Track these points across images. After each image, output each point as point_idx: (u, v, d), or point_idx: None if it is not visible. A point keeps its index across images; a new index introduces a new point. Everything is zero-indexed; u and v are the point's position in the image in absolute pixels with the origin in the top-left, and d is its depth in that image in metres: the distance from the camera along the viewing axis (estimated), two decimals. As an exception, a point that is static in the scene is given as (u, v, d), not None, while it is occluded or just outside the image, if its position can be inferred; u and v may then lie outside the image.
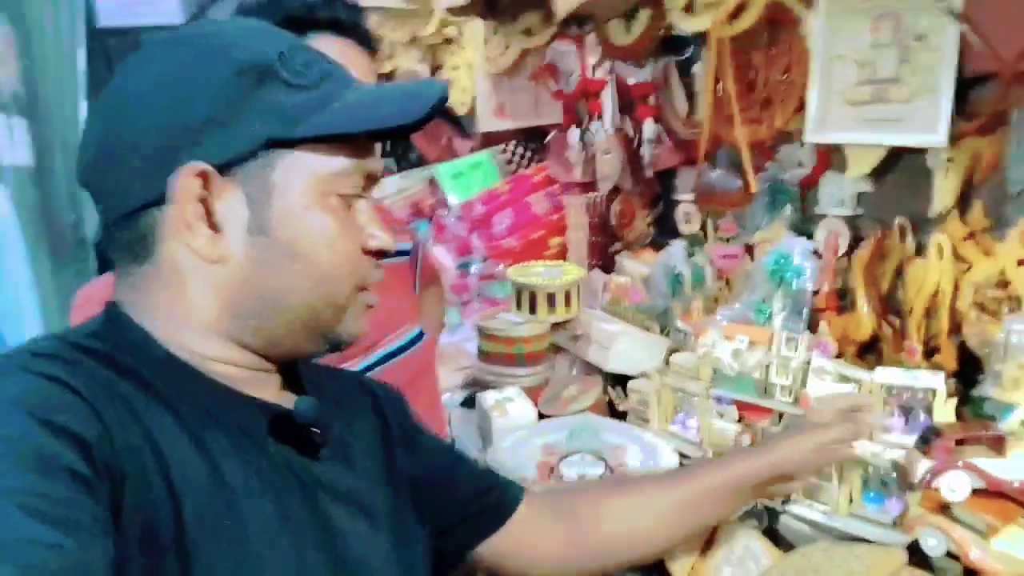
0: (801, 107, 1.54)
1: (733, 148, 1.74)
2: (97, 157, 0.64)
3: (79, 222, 3.74)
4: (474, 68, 2.42)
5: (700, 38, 1.77)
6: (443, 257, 2.25)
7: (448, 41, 2.50)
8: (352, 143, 0.66)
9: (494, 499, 0.90)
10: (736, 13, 1.58)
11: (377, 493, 0.77)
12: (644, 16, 1.79)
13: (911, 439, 1.20)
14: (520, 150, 2.43)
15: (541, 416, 1.58)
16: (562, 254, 2.19)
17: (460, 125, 2.80)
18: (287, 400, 0.71)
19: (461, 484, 0.89)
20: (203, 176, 0.62)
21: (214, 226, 0.63)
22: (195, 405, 0.63)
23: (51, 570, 0.46)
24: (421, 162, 3.02)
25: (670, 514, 0.96)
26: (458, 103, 2.56)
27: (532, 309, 1.67)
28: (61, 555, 0.46)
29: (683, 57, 1.84)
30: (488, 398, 1.56)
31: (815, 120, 1.48)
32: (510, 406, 1.55)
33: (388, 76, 2.82)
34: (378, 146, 0.72)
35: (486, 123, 2.44)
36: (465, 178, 2.31)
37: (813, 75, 1.47)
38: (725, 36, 1.57)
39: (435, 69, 2.60)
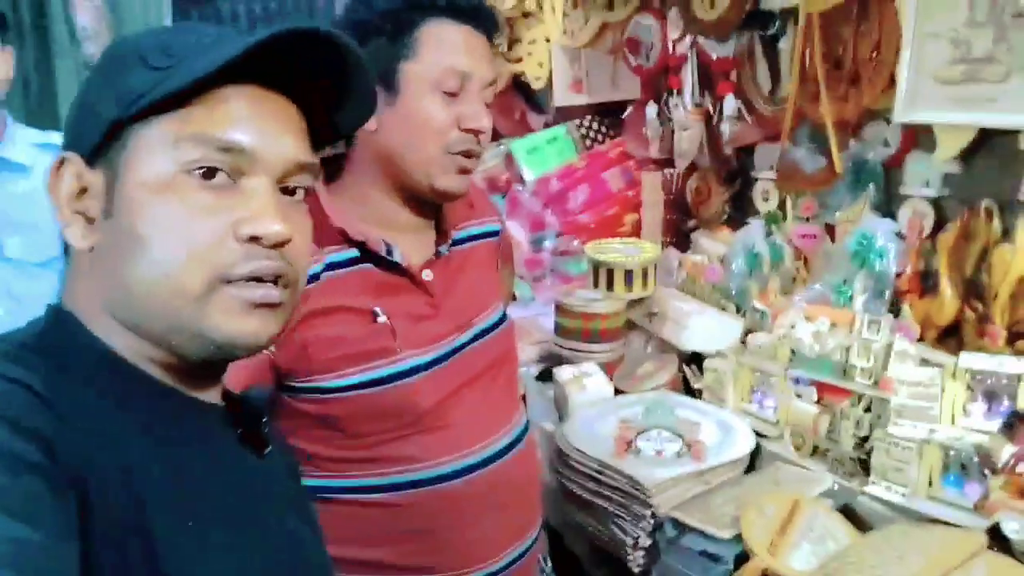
0: (890, 85, 1.51)
1: (816, 126, 1.72)
2: None
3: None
4: (551, 42, 2.42)
5: (786, 13, 1.74)
6: (517, 232, 2.27)
7: (526, 15, 2.50)
8: (199, 114, 0.61)
9: None
10: (826, -12, 1.55)
11: (305, 498, 0.80)
12: (729, -9, 1.77)
13: (994, 424, 1.19)
14: (596, 125, 2.43)
15: (616, 392, 1.61)
16: (636, 231, 2.20)
17: (534, 99, 2.81)
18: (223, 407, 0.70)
19: None
20: (73, 166, 0.62)
21: (90, 216, 0.63)
22: (146, 405, 0.62)
23: (21, 564, 0.46)
24: (493, 137, 3.04)
25: None
26: (533, 77, 2.56)
27: (609, 286, 1.69)
28: (30, 549, 0.47)
29: (769, 33, 1.81)
30: (565, 372, 1.59)
31: (905, 99, 1.45)
32: (587, 381, 1.58)
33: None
34: (260, 120, 0.63)
35: (562, 98, 2.44)
36: (540, 153, 2.32)
37: (904, 52, 1.44)
38: (815, 11, 1.54)
39: (512, 43, 2.60)
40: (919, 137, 1.60)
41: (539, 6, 2.42)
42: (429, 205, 1.15)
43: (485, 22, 1.11)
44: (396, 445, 1.09)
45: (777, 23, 1.78)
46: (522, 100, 2.81)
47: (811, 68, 1.61)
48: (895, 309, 1.51)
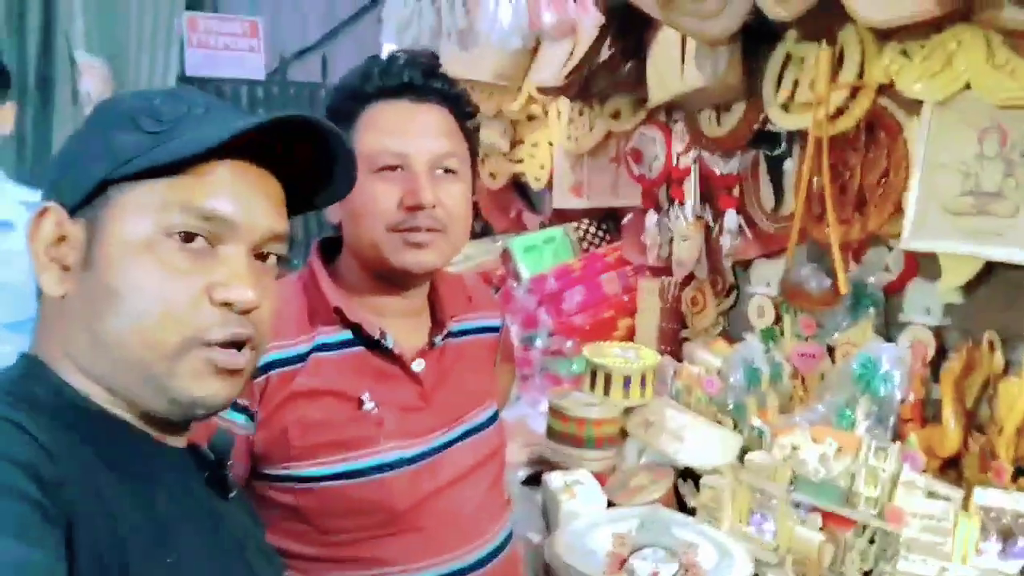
0: (896, 212, 1.53)
1: (818, 246, 1.73)
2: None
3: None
4: (553, 145, 2.46)
5: (794, 134, 1.78)
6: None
7: (531, 118, 2.55)
8: (187, 182, 0.64)
9: None
10: (836, 114, 1.59)
11: (266, 543, 0.82)
12: (739, 110, 1.81)
13: (1011, 565, 1.14)
14: (593, 229, 2.44)
15: (608, 504, 1.54)
16: (630, 336, 2.17)
17: (531, 199, 2.83)
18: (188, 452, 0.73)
19: None
20: (55, 216, 0.65)
21: (66, 266, 0.65)
22: (121, 450, 0.64)
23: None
24: (485, 232, 3.05)
25: None
26: (533, 178, 2.59)
27: (606, 391, 1.65)
28: (34, 567, 0.50)
29: (775, 153, 1.84)
30: (556, 479, 1.53)
31: (912, 226, 1.47)
32: (579, 489, 1.51)
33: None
34: (242, 191, 0.67)
35: (561, 200, 2.46)
36: (538, 252, 2.32)
37: (914, 181, 1.46)
38: (824, 135, 1.57)
39: (515, 143, 2.64)
40: (921, 264, 1.61)
41: (544, 111, 2.47)
42: (405, 285, 1.12)
43: (428, 95, 1.09)
44: (370, 545, 1.02)
45: (783, 144, 1.81)
46: (519, 199, 2.84)
47: (817, 190, 1.63)
48: (896, 437, 1.48)
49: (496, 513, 1.16)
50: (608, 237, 2.44)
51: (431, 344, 1.12)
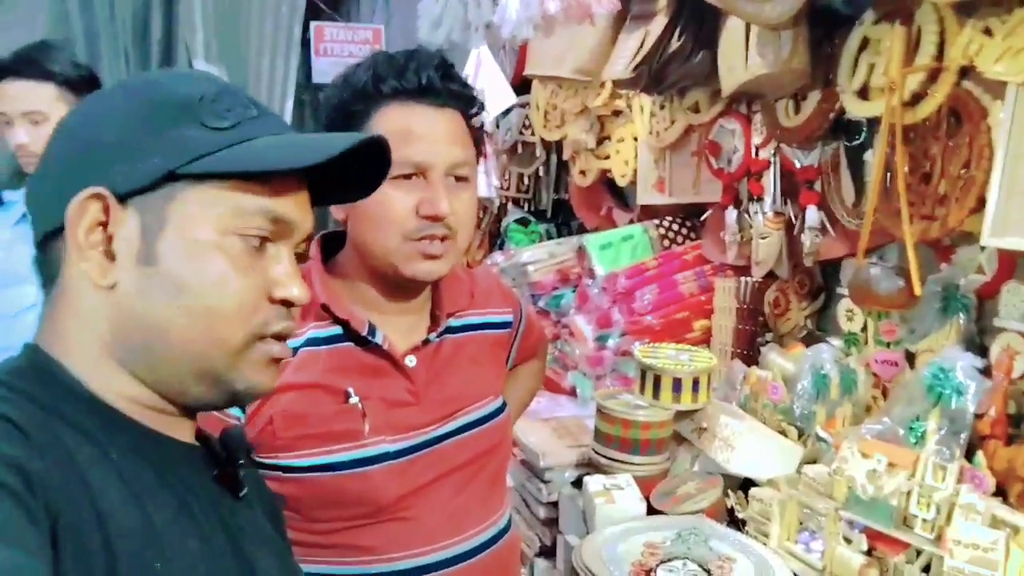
0: (980, 206, 1.38)
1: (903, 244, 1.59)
2: (31, 183, 0.69)
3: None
4: (638, 141, 2.39)
5: (874, 123, 1.64)
6: (583, 328, 2.20)
7: (616, 113, 2.49)
8: (257, 185, 0.66)
9: None
10: (915, 100, 1.45)
11: (282, 539, 0.81)
12: (814, 98, 1.69)
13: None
14: (676, 227, 2.35)
15: (652, 511, 1.48)
16: (706, 338, 2.08)
17: (622, 196, 2.77)
18: (197, 446, 0.73)
19: None
20: (101, 201, 0.63)
21: (110, 253, 0.64)
22: (123, 447, 0.63)
23: None
24: (581, 230, 3.01)
25: None
26: (619, 174, 2.53)
27: (655, 394, 1.58)
28: (15, 566, 0.49)
29: (855, 143, 1.71)
30: (595, 482, 1.48)
31: (994, 221, 1.32)
32: (618, 494, 1.46)
33: (558, 143, 2.86)
34: (300, 196, 0.70)
35: (645, 196, 2.39)
36: (614, 249, 2.26)
37: (995, 172, 1.31)
38: (899, 123, 1.44)
39: (602, 139, 2.59)
40: (1017, 265, 1.45)
41: (628, 105, 2.40)
42: (412, 291, 1.11)
43: (445, 99, 1.06)
44: (353, 534, 1.03)
45: (864, 134, 1.68)
46: (609, 196, 2.78)
47: (894, 183, 1.49)
48: (973, 455, 1.34)
49: (491, 506, 1.15)
50: (691, 235, 2.35)
51: (426, 341, 1.11)
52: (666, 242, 2.32)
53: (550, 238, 3.01)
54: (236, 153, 0.64)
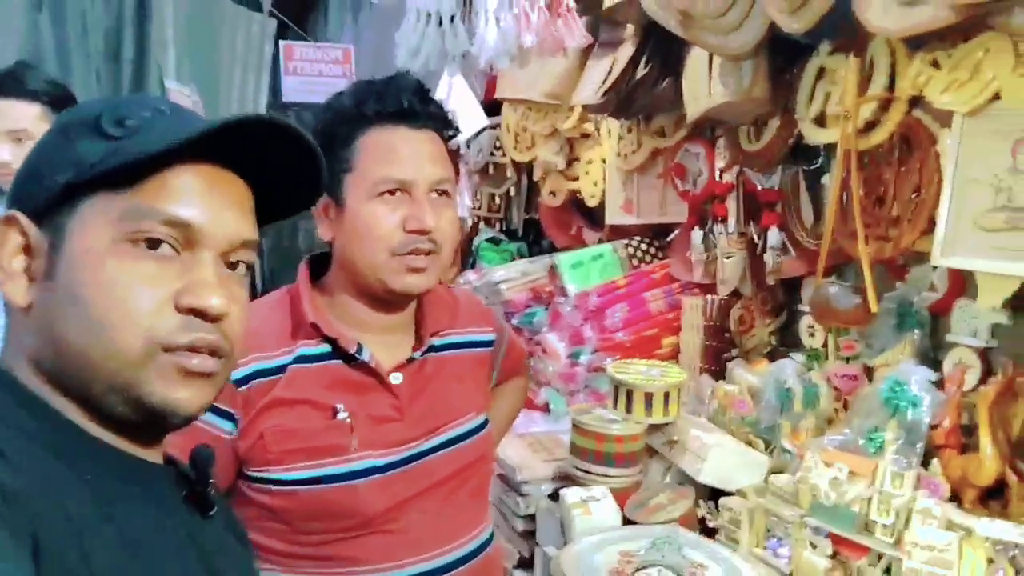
0: (931, 228, 1.46)
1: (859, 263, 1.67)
2: None
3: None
4: (607, 163, 2.46)
5: (831, 149, 1.73)
6: (556, 345, 2.25)
7: (585, 136, 2.56)
8: (149, 189, 0.63)
9: None
10: (868, 127, 1.54)
11: (250, 559, 0.79)
12: (773, 124, 1.77)
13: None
14: (644, 246, 2.42)
15: (627, 521, 1.53)
16: (674, 354, 2.15)
17: (591, 216, 2.84)
18: (167, 468, 0.71)
19: None
20: (15, 225, 0.64)
21: (31, 275, 0.64)
22: (93, 466, 0.62)
23: None
24: (552, 249, 3.08)
25: None
26: (588, 195, 2.60)
27: (628, 408, 1.64)
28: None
29: (812, 167, 1.79)
30: (571, 495, 1.53)
31: (943, 243, 1.40)
32: (594, 506, 1.51)
33: (528, 164, 2.92)
34: (213, 199, 0.66)
35: (614, 216, 2.46)
36: (584, 268, 2.32)
37: (944, 196, 1.40)
38: (855, 150, 1.52)
39: (571, 161, 2.66)
40: (967, 283, 1.53)
41: (596, 128, 2.48)
42: (398, 306, 1.16)
43: (423, 121, 1.13)
44: (342, 545, 1.06)
45: (821, 158, 1.76)
46: (579, 216, 2.85)
47: (850, 206, 1.57)
48: (929, 463, 1.41)
49: (474, 519, 1.19)
50: (659, 254, 2.42)
51: (410, 359, 1.15)
52: (634, 261, 2.39)
53: (521, 257, 3.08)
54: (121, 155, 0.62)
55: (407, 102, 1.11)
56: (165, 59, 2.99)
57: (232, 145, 0.66)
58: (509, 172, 3.05)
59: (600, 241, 2.64)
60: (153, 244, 0.63)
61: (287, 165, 0.71)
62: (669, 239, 2.31)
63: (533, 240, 3.21)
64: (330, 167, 1.09)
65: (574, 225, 2.84)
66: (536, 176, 2.87)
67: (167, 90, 2.99)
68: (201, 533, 0.70)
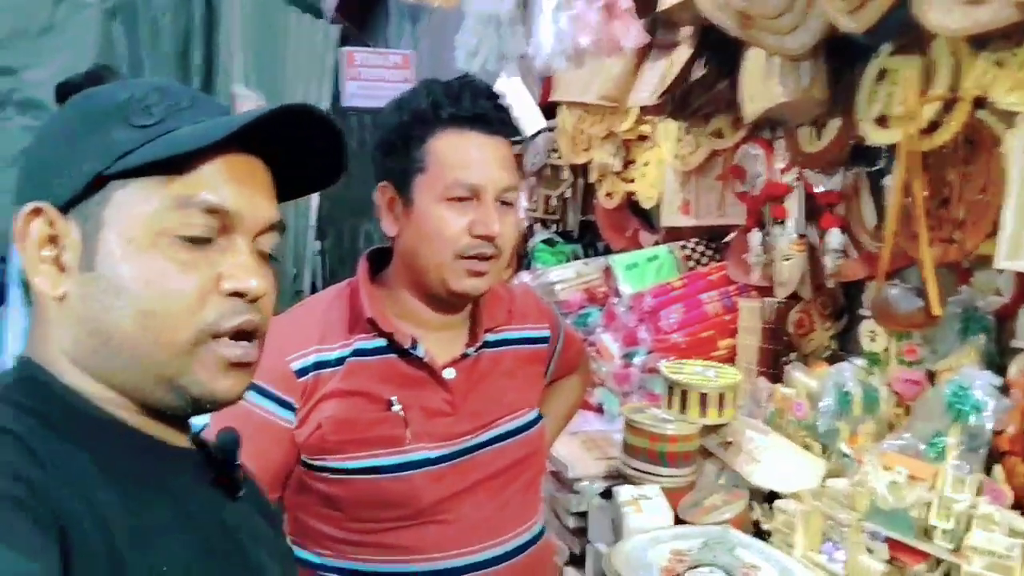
0: (995, 230, 1.43)
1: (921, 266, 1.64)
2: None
3: (298, 276, 4.17)
4: (664, 164, 2.46)
5: (893, 150, 1.70)
6: (610, 345, 2.26)
7: (642, 138, 2.56)
8: (186, 176, 0.64)
9: None
10: (931, 128, 1.51)
11: (280, 540, 0.80)
12: (834, 125, 1.75)
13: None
14: (701, 248, 2.42)
15: (679, 521, 1.54)
16: (731, 357, 2.14)
17: (648, 219, 2.83)
18: (194, 449, 0.72)
19: None
20: (43, 216, 0.64)
21: (60, 265, 0.64)
22: (117, 452, 0.63)
23: None
24: (608, 251, 3.08)
25: None
26: (645, 197, 2.60)
27: (683, 408, 1.64)
28: (20, 570, 0.49)
29: (874, 168, 1.77)
30: (624, 492, 1.54)
31: (1008, 245, 1.37)
32: (646, 504, 1.52)
33: (584, 167, 2.93)
34: (245, 185, 0.67)
35: (670, 218, 2.46)
36: (640, 269, 2.33)
37: (1009, 198, 1.37)
38: (916, 149, 1.50)
39: (627, 163, 2.67)
40: (1034, 288, 1.50)
41: (653, 130, 2.48)
42: (456, 306, 1.18)
43: (496, 127, 1.14)
44: (395, 534, 1.09)
45: (883, 160, 1.74)
46: (635, 218, 2.85)
47: (913, 208, 1.55)
48: (991, 469, 1.38)
49: (525, 513, 1.21)
50: (715, 256, 2.41)
51: (464, 355, 1.18)
52: (691, 263, 2.39)
53: (576, 259, 3.09)
54: (155, 144, 0.63)
55: (482, 107, 1.13)
56: (232, 65, 3.09)
57: (260, 133, 0.68)
58: (565, 174, 3.06)
59: (657, 243, 2.64)
60: (197, 232, 0.65)
61: (311, 147, 0.72)
62: (726, 240, 2.30)
63: (589, 243, 3.21)
64: (401, 166, 1.13)
65: (630, 227, 2.84)
66: (592, 178, 2.88)
67: (234, 95, 3.09)
68: (229, 515, 0.71)
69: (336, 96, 4.68)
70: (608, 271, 2.38)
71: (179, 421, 0.70)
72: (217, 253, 0.66)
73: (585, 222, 3.17)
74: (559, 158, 3.01)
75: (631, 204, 2.78)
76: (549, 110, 2.93)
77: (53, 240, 0.65)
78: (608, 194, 2.81)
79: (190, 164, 0.65)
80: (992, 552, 1.10)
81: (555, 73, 1.86)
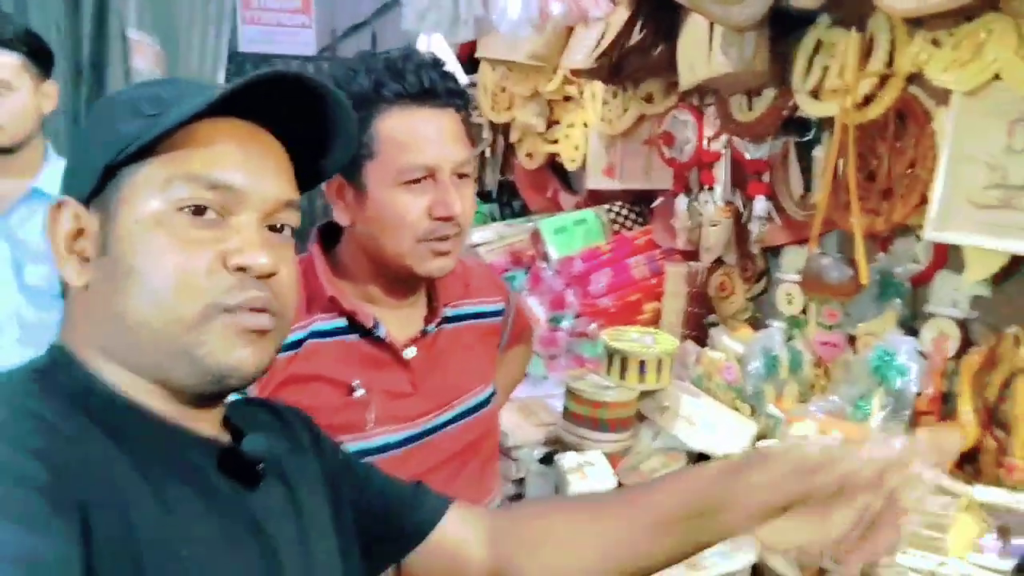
0: (922, 202, 1.50)
1: (844, 235, 1.71)
2: None
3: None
4: (589, 127, 2.46)
5: (823, 121, 1.75)
6: (536, 309, 2.26)
7: (567, 99, 2.55)
8: (189, 155, 0.65)
9: (413, 514, 0.87)
10: (865, 102, 1.56)
11: (315, 508, 0.78)
12: (769, 95, 1.79)
13: (1008, 563, 1.14)
14: (626, 212, 2.44)
15: (620, 486, 1.57)
16: (656, 320, 2.18)
17: (567, 180, 2.84)
18: (224, 436, 0.73)
19: (379, 497, 0.87)
20: (67, 209, 0.67)
21: (85, 257, 0.67)
22: (144, 442, 0.64)
23: (35, 565, 0.49)
24: (524, 211, 3.07)
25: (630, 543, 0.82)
26: (568, 159, 2.59)
27: (622, 375, 1.67)
28: (43, 553, 0.50)
29: (804, 139, 1.82)
30: (568, 459, 1.56)
31: (936, 218, 1.44)
32: (590, 470, 1.54)
33: (506, 126, 2.90)
34: (251, 162, 0.67)
35: (594, 181, 2.46)
36: (568, 233, 2.33)
37: (939, 172, 1.43)
38: (851, 123, 1.55)
39: (551, 123, 2.65)
40: (949, 256, 1.58)
41: (580, 92, 2.47)
42: (416, 286, 1.15)
43: (445, 99, 1.08)
44: None
45: (813, 130, 1.79)
46: (556, 179, 2.85)
47: (843, 178, 1.61)
48: (914, 430, 1.47)
49: (486, 487, 1.21)
50: (640, 220, 2.44)
51: (424, 332, 1.15)
52: (616, 227, 2.41)
53: (493, 219, 3.07)
54: (152, 127, 0.64)
55: (428, 81, 1.07)
56: (126, 8, 2.86)
57: (264, 106, 0.67)
58: (485, 133, 3.02)
59: (577, 206, 2.65)
60: (199, 210, 0.65)
61: (317, 122, 0.72)
62: (653, 206, 2.33)
63: (506, 202, 3.20)
64: None
65: (550, 188, 2.84)
66: (513, 138, 2.85)
67: (128, 40, 2.87)
68: (252, 503, 0.70)
69: (232, 38, 4.43)
70: (536, 235, 2.37)
71: (207, 406, 0.70)
72: (225, 231, 0.66)
73: (502, 182, 3.15)
74: (478, 116, 2.96)
75: (552, 165, 2.78)
76: (469, 66, 2.86)
77: (80, 233, 0.67)
78: (529, 154, 2.79)
79: (192, 142, 0.65)
80: (930, 511, 1.18)
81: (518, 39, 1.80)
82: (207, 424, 0.70)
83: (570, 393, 1.67)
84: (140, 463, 0.62)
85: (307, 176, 0.74)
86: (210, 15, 3.51)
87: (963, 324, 1.55)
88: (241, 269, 0.65)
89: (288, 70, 0.67)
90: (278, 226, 0.70)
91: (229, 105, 0.65)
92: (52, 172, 1.90)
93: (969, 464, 1.44)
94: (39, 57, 1.76)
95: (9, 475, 0.53)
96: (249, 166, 0.67)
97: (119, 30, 2.83)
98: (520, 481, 1.74)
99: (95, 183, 0.66)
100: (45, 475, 0.55)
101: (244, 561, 0.67)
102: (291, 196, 0.70)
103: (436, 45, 2.53)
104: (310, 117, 0.71)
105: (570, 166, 2.60)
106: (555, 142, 2.64)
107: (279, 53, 4.91)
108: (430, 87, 1.07)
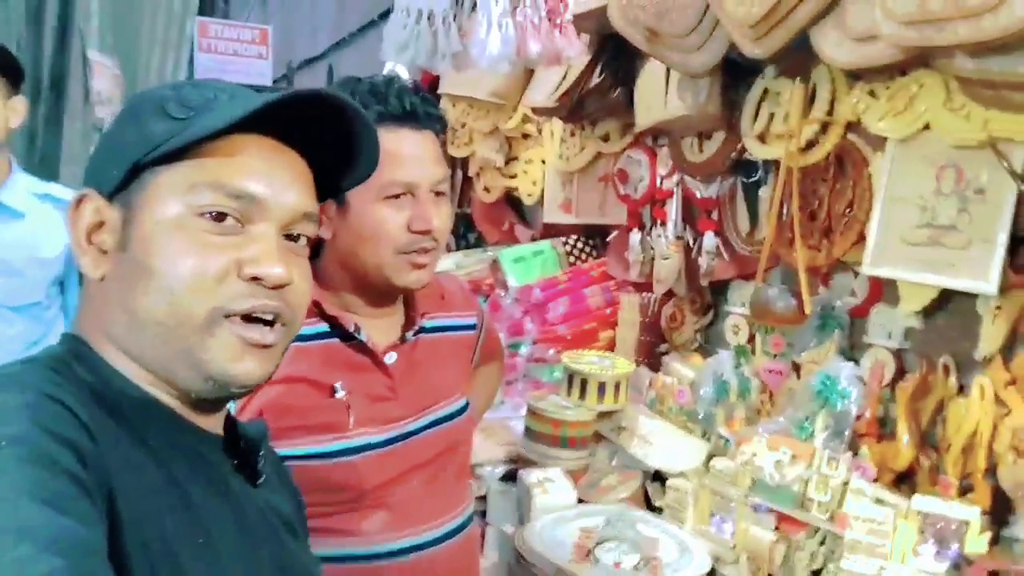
0: (860, 240, 1.63)
1: (789, 269, 1.84)
2: None
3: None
4: (547, 163, 2.56)
5: (769, 163, 1.88)
6: (495, 336, 2.33)
7: (526, 136, 2.65)
8: (214, 163, 0.67)
9: None
10: (808, 146, 1.69)
11: (299, 523, 0.83)
12: (719, 138, 1.91)
13: (942, 566, 1.24)
14: (580, 244, 2.54)
15: (580, 501, 1.64)
16: (611, 347, 2.27)
17: (523, 214, 2.94)
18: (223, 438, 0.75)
19: None
20: (91, 202, 0.69)
21: (103, 249, 0.69)
22: (155, 430, 0.66)
23: (65, 546, 0.50)
24: (480, 243, 3.16)
25: None
26: (526, 194, 2.69)
27: (582, 395, 1.75)
28: (72, 534, 0.51)
29: (751, 179, 1.95)
30: (531, 475, 1.62)
31: (873, 254, 1.57)
32: (551, 486, 1.61)
33: (464, 161, 2.99)
34: (274, 173, 0.70)
35: (551, 215, 2.56)
36: (526, 263, 2.42)
37: (875, 212, 1.56)
38: (795, 166, 1.68)
39: (510, 159, 2.75)
40: (884, 291, 1.71)
41: (538, 130, 2.57)
42: (394, 297, 1.22)
43: (425, 123, 1.16)
44: (339, 519, 1.12)
45: (760, 171, 1.92)
46: (512, 213, 2.95)
47: (787, 216, 1.73)
48: (853, 449, 1.58)
49: (459, 496, 1.26)
50: (595, 253, 2.54)
51: (403, 339, 1.21)
52: (571, 258, 2.50)
53: (448, 250, 3.14)
54: (183, 132, 0.66)
55: (409, 104, 1.14)
56: (88, 28, 2.88)
57: (291, 121, 0.70)
58: (443, 166, 3.09)
59: (533, 238, 2.74)
60: (219, 217, 0.67)
61: (342, 139, 0.75)
62: (608, 239, 2.43)
63: (461, 235, 3.27)
64: None
65: (506, 221, 2.93)
66: (472, 172, 2.93)
67: (89, 61, 2.88)
68: (254, 501, 0.74)
69: (190, 66, 4.45)
70: (495, 264, 2.45)
71: (211, 407, 0.72)
72: (243, 239, 0.68)
73: (459, 214, 3.23)
74: (438, 149, 3.04)
75: (508, 199, 2.87)
76: (429, 102, 2.95)
77: (101, 226, 0.69)
78: (487, 188, 2.88)
79: (219, 151, 0.67)
80: (871, 519, 1.28)
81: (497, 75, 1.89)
82: (211, 423, 0.73)
83: (532, 412, 1.74)
84: (156, 451, 0.65)
85: (322, 190, 0.77)
86: (170, 40, 3.54)
87: (898, 353, 1.68)
88: (256, 279, 0.67)
89: (329, 92, 0.71)
90: (294, 235, 0.72)
91: (260, 116, 0.67)
92: (16, 186, 1.91)
93: (905, 481, 1.55)
94: (8, 72, 1.79)
95: (41, 458, 0.54)
96: (271, 178, 0.69)
97: (80, 50, 2.84)
98: (482, 498, 1.79)
99: (121, 179, 0.68)
100: (74, 460, 0.56)
101: (256, 551, 0.71)
102: (310, 208, 0.73)
103: (399, 74, 2.61)
104: (333, 133, 0.74)
105: (528, 200, 2.70)
106: (513, 177, 2.74)
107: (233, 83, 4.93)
108: (411, 110, 1.15)
